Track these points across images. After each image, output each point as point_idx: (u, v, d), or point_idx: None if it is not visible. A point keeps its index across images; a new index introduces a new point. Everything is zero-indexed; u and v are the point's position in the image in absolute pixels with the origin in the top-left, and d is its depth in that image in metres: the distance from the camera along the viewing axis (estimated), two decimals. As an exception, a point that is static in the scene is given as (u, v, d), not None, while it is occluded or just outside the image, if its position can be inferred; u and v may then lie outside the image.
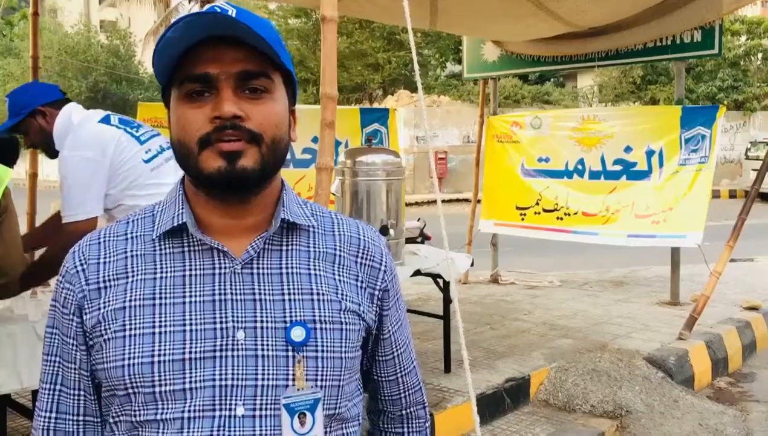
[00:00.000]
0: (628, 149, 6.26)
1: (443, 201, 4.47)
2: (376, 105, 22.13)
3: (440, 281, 4.53)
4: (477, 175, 7.59)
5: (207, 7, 1.01)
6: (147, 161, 2.84)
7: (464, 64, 7.67)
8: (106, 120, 2.88)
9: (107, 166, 2.75)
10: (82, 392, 1.07)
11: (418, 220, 5.30)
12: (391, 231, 4.05)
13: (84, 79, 25.40)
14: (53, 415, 1.08)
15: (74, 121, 2.86)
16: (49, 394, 1.08)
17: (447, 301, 4.52)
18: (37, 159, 5.29)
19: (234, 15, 0.96)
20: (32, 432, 1.10)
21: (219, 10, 0.97)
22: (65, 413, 1.07)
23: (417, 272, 4.29)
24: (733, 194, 19.69)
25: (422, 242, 5.13)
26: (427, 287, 5.97)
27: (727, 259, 5.35)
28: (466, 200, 15.34)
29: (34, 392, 3.00)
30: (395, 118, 6.79)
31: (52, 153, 2.92)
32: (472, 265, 4.93)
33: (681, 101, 6.35)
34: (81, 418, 1.08)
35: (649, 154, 6.15)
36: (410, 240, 4.80)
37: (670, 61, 7.47)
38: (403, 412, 1.25)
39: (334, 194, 4.04)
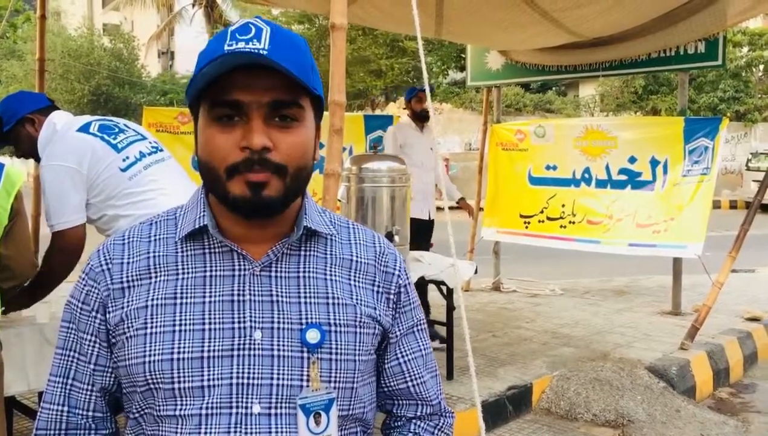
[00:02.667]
0: (632, 160, 6.29)
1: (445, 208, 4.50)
2: (378, 111, 22.17)
3: (444, 287, 4.55)
4: (480, 183, 7.62)
5: (240, 23, 1.02)
6: (124, 170, 2.80)
7: (468, 72, 7.70)
8: (84, 128, 2.84)
9: (85, 176, 2.74)
10: (93, 388, 1.10)
11: (421, 226, 5.31)
12: (396, 238, 4.06)
13: (87, 82, 25.45)
14: (65, 408, 1.10)
15: (58, 130, 2.85)
16: (60, 387, 1.10)
17: (450, 308, 4.53)
18: (42, 161, 5.30)
19: (267, 43, 0.98)
20: (36, 424, 1.11)
21: (253, 30, 0.99)
22: (76, 408, 1.10)
23: (421, 279, 4.30)
24: (733, 205, 19.70)
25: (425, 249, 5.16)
26: (429, 294, 5.98)
27: (729, 269, 5.36)
28: (467, 208, 15.36)
29: (41, 394, 3.00)
30: (399, 125, 6.80)
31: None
32: (476, 272, 4.94)
33: (684, 112, 6.37)
34: (91, 413, 1.10)
35: (654, 164, 6.17)
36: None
37: (673, 72, 7.50)
38: (419, 424, 1.21)
39: (339, 200, 4.06)
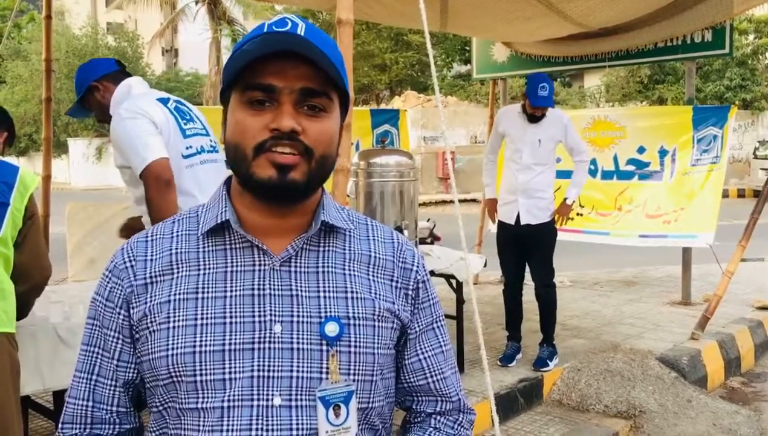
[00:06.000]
0: (641, 150, 6.26)
1: (452, 201, 4.49)
2: (383, 106, 22.15)
3: (453, 281, 4.54)
4: (487, 176, 7.58)
5: (277, 18, 1.06)
6: (185, 157, 2.80)
7: (473, 65, 7.67)
8: (164, 101, 2.86)
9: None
10: (117, 383, 1.12)
11: (428, 220, 5.31)
12: (405, 232, 4.07)
13: (92, 81, 25.47)
14: (89, 403, 1.12)
15: (134, 93, 2.87)
16: (85, 383, 1.13)
17: (460, 301, 4.53)
18: (50, 161, 5.33)
19: (303, 33, 1.03)
20: (62, 418, 1.14)
21: (290, 24, 1.03)
22: (100, 403, 1.12)
23: (430, 273, 4.30)
24: (741, 194, 19.62)
25: (432, 243, 5.14)
26: (438, 287, 5.97)
27: (740, 258, 5.34)
28: (474, 201, 15.32)
29: (55, 393, 3.02)
30: (406, 119, 6.81)
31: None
32: (485, 265, 4.94)
33: (691, 101, 6.35)
34: (115, 408, 1.13)
35: (662, 154, 6.15)
36: (420, 241, 4.82)
37: (680, 61, 7.46)
38: (439, 419, 1.21)
39: (348, 196, 4.06)
